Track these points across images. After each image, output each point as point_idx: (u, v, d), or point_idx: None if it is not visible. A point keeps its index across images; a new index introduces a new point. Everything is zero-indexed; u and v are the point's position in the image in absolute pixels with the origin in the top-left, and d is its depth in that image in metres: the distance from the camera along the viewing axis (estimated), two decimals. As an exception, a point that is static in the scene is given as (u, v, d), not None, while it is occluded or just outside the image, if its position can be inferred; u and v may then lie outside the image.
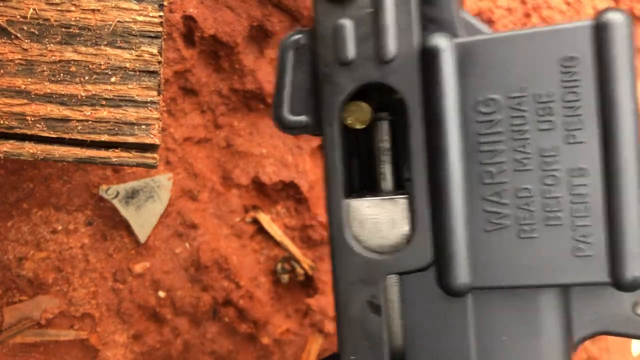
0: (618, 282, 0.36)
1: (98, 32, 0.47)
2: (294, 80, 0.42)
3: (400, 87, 0.39)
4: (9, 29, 0.46)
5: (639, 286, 0.36)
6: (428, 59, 0.38)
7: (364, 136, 0.45)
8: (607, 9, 0.36)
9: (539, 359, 0.38)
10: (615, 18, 0.35)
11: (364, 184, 0.45)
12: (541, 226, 0.37)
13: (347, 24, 0.40)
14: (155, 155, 0.48)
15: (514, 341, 0.38)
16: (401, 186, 0.44)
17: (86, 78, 0.47)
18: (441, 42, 0.38)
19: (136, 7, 0.48)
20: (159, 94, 0.48)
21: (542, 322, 0.38)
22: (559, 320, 0.38)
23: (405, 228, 0.40)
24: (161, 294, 0.69)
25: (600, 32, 0.35)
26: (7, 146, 0.46)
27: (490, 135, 0.38)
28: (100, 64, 0.47)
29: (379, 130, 0.43)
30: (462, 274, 0.37)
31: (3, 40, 0.46)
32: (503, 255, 0.37)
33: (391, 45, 0.39)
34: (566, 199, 0.37)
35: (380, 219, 0.40)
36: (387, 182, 0.43)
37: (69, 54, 0.47)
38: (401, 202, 0.40)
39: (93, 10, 0.47)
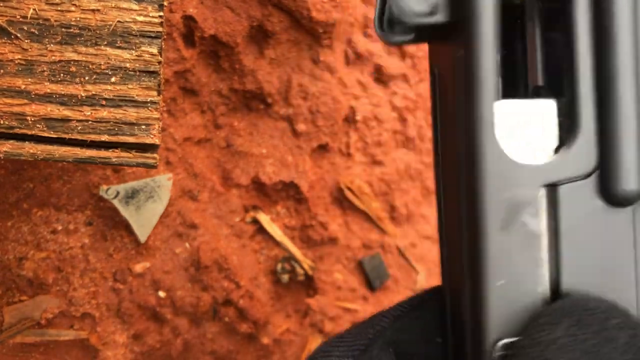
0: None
1: (98, 32, 0.47)
2: None
3: None
4: (9, 29, 0.46)
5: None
6: None
7: (509, 21, 0.39)
8: None
9: None
10: None
11: (513, 84, 0.41)
12: None
13: None
14: (155, 155, 0.48)
15: None
16: (554, 91, 0.39)
17: (86, 78, 0.47)
18: None
19: (136, 7, 0.48)
20: (159, 94, 0.48)
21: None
22: None
23: (557, 134, 0.36)
24: (161, 293, 0.69)
25: None
26: (7, 146, 0.46)
27: None
28: (100, 64, 0.47)
29: (531, 11, 0.39)
30: (631, 179, 0.34)
31: (3, 40, 0.46)
32: None
33: None
34: None
35: (532, 122, 0.36)
36: (539, 82, 0.39)
37: (69, 54, 0.47)
38: (554, 103, 0.36)
39: (93, 11, 0.47)
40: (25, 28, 0.46)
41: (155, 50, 0.48)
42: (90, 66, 0.47)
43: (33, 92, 0.46)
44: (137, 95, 0.48)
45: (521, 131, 0.36)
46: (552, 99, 0.36)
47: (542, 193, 0.35)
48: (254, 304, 0.70)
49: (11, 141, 0.46)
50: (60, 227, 0.67)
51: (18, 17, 0.46)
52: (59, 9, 0.47)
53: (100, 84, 0.47)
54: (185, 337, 0.69)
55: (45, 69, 0.46)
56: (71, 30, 0.47)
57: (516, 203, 0.35)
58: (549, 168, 0.35)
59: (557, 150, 0.36)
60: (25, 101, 0.46)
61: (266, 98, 0.70)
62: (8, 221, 0.66)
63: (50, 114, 0.46)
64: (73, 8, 0.47)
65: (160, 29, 0.48)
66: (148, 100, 0.48)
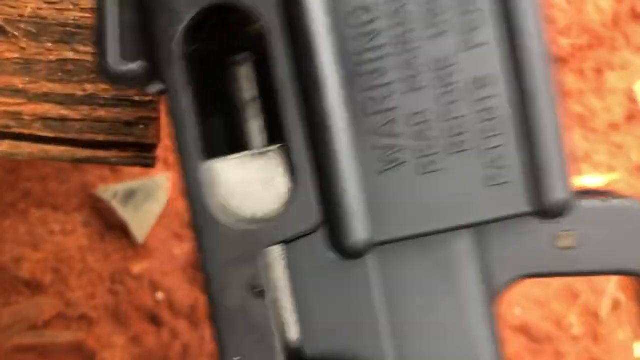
0: (541, 210, 0.31)
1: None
2: (121, 16, 0.32)
3: (254, 6, 0.31)
4: (6, 27, 0.46)
5: (562, 211, 0.31)
6: None
7: (219, 82, 0.36)
8: None
9: (460, 316, 0.33)
10: None
11: (229, 141, 0.37)
12: (444, 156, 0.31)
13: None
14: (153, 155, 0.48)
15: (428, 300, 0.32)
16: (275, 138, 0.35)
17: (84, 77, 0.47)
18: None
19: (135, 5, 0.47)
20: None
21: (458, 273, 0.33)
22: (477, 268, 0.33)
23: (282, 186, 0.33)
24: (160, 295, 0.69)
25: None
26: (4, 146, 0.46)
27: (371, 52, 0.31)
28: (99, 63, 0.47)
29: (236, 77, 0.35)
30: (359, 229, 0.31)
31: (0, 39, 0.46)
32: (404, 198, 0.31)
33: None
34: (471, 117, 0.31)
35: (252, 180, 0.33)
36: (255, 136, 0.35)
37: (67, 53, 0.46)
38: (273, 154, 0.33)
39: (92, 9, 0.47)
40: (23, 26, 0.46)
41: (154, 49, 0.48)
42: (88, 65, 0.47)
43: (30, 92, 0.46)
44: (135, 94, 0.47)
45: (244, 189, 0.33)
46: (276, 147, 0.33)
47: (274, 255, 0.32)
48: (253, 306, 0.70)
49: (8, 141, 0.46)
50: (57, 228, 0.67)
51: (16, 15, 0.46)
52: (57, 7, 0.46)
53: (98, 83, 0.47)
54: (184, 340, 0.69)
55: (42, 68, 0.46)
56: (69, 29, 0.47)
57: (239, 272, 0.32)
58: (273, 227, 0.32)
59: (288, 202, 0.32)
60: (23, 100, 0.46)
61: (265, 98, 0.70)
62: (5, 222, 0.66)
63: (48, 114, 0.46)
64: (71, 7, 0.47)
65: (159, 28, 0.48)
66: (146, 99, 0.48)
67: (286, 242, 0.32)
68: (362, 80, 0.31)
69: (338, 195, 0.31)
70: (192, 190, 0.32)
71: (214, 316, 0.33)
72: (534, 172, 0.30)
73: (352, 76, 0.31)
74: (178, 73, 0.32)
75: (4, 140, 0.46)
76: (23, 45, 0.46)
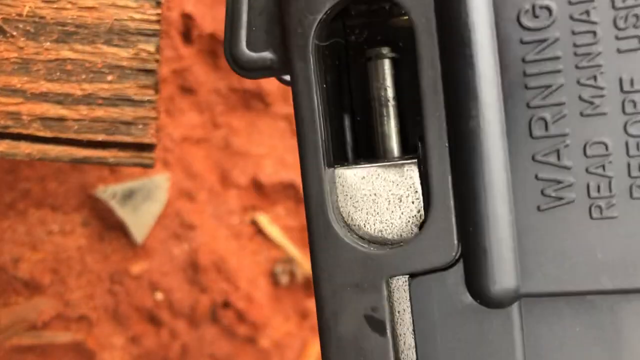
0: None
1: (94, 30, 0.47)
2: (252, 2, 0.29)
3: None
4: (4, 27, 0.45)
5: None
6: None
7: (355, 80, 0.33)
8: None
9: None
10: None
11: (357, 147, 0.33)
12: (625, 200, 0.25)
13: None
14: (152, 155, 0.48)
15: None
16: (409, 149, 0.31)
17: (82, 77, 0.46)
18: None
19: (133, 4, 0.47)
20: (156, 93, 0.48)
21: (625, 343, 0.27)
22: None
23: (415, 207, 0.28)
24: (159, 295, 0.69)
25: None
26: (3, 146, 0.46)
27: (544, 61, 0.26)
28: (97, 63, 0.47)
29: (376, 71, 0.31)
30: (505, 275, 0.26)
31: (-2, 38, 0.45)
32: (566, 245, 0.25)
33: None
34: None
35: (381, 195, 0.29)
36: (390, 143, 0.31)
37: (65, 53, 0.46)
38: (409, 168, 0.28)
39: (89, 8, 0.47)
40: (21, 26, 0.46)
41: (152, 49, 0.47)
42: (87, 64, 0.47)
43: (29, 91, 0.46)
44: (134, 94, 0.47)
45: (372, 204, 0.29)
46: (414, 161, 0.28)
47: (398, 285, 0.28)
48: (253, 306, 0.70)
49: (6, 140, 0.46)
50: (56, 228, 0.67)
51: (14, 14, 0.46)
52: (55, 6, 0.46)
53: (96, 82, 0.47)
54: (184, 340, 0.69)
55: (41, 67, 0.46)
56: (67, 28, 0.46)
57: (357, 300, 0.28)
58: (401, 254, 0.27)
59: (421, 227, 0.28)
60: (21, 100, 0.46)
61: (265, 97, 0.70)
62: (4, 222, 0.66)
63: (46, 113, 0.46)
64: (69, 6, 0.46)
65: (157, 27, 0.48)
66: (145, 99, 0.47)
67: (415, 274, 0.28)
68: (528, 94, 0.26)
69: (484, 229, 0.26)
70: (314, 198, 0.28)
71: (324, 342, 0.29)
72: None
73: (514, 87, 0.26)
74: (310, 67, 0.28)
75: (3, 140, 0.46)
76: (21, 44, 0.46)
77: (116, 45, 0.47)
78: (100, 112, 0.47)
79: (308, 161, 0.28)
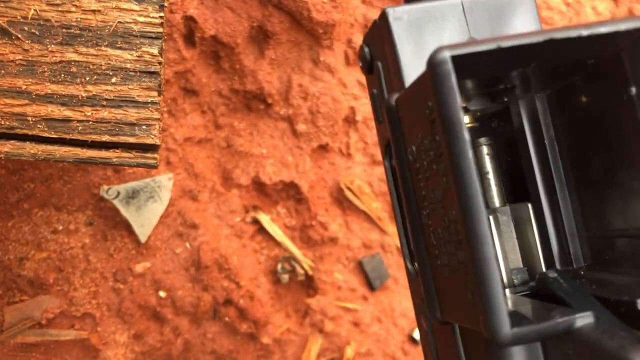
0: None
1: (99, 32, 0.47)
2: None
3: None
4: (9, 29, 0.46)
5: None
6: None
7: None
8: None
9: None
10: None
11: None
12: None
13: None
14: (155, 155, 0.48)
15: None
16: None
17: (87, 79, 0.47)
18: None
19: (137, 8, 0.48)
20: (159, 95, 0.48)
21: None
22: None
23: None
24: (162, 293, 0.69)
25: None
26: (8, 146, 0.46)
27: None
28: (101, 65, 0.47)
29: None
30: None
31: (4, 41, 0.46)
32: None
33: None
34: None
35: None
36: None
37: (70, 55, 0.47)
38: None
39: (94, 11, 0.47)
40: (26, 29, 0.46)
41: (155, 51, 0.48)
42: (91, 67, 0.47)
43: (34, 93, 0.46)
44: (137, 95, 0.48)
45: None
46: None
47: None
48: (254, 304, 0.70)
49: (12, 141, 0.46)
50: (60, 227, 0.67)
51: (19, 17, 0.46)
52: (59, 9, 0.47)
53: (100, 84, 0.47)
54: (186, 337, 0.69)
55: (46, 69, 0.46)
56: (72, 30, 0.47)
57: None
58: None
59: None
60: (26, 102, 0.46)
61: (266, 98, 0.70)
62: (9, 221, 0.66)
63: (51, 115, 0.46)
64: (74, 9, 0.47)
65: (160, 30, 0.48)
66: (149, 100, 0.48)
67: None
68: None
69: None
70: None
71: None
72: None
73: None
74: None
75: (8, 140, 0.47)
76: (26, 47, 0.47)
77: (120, 48, 0.48)
78: (104, 114, 0.47)
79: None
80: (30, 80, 0.46)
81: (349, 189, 0.73)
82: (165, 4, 0.48)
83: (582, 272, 0.36)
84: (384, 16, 0.40)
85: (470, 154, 0.29)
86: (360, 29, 0.73)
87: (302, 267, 0.72)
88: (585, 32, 0.29)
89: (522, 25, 0.40)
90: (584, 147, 0.36)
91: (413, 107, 0.34)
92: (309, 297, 0.73)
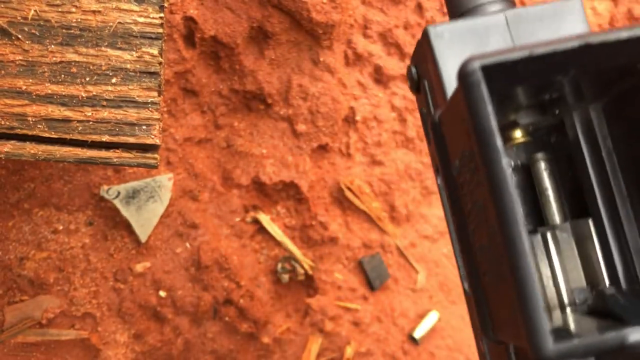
0: None
1: (99, 33, 0.47)
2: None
3: None
4: (9, 30, 0.46)
5: None
6: None
7: None
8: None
9: None
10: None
11: None
12: None
13: None
14: (156, 155, 0.48)
15: None
16: None
17: (87, 79, 0.47)
18: None
19: (137, 8, 0.48)
20: (159, 95, 0.48)
21: None
22: None
23: None
24: (162, 293, 0.69)
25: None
26: (8, 147, 0.46)
27: None
28: (101, 65, 0.47)
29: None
30: None
31: (4, 42, 0.46)
32: None
33: None
34: None
35: None
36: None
37: (70, 55, 0.47)
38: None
39: (94, 12, 0.47)
40: (26, 29, 0.46)
41: (155, 52, 0.48)
42: (91, 67, 0.47)
43: (34, 93, 0.46)
44: (137, 96, 0.48)
45: None
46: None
47: None
48: (255, 304, 0.70)
49: (12, 141, 0.46)
50: (61, 227, 0.67)
51: (19, 18, 0.46)
52: (59, 10, 0.47)
53: (101, 84, 0.47)
54: (186, 337, 0.70)
55: (46, 69, 0.46)
56: (72, 31, 0.47)
57: None
58: None
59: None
60: (26, 102, 0.46)
61: (266, 98, 0.70)
62: (9, 221, 0.66)
63: (51, 115, 0.46)
64: (74, 9, 0.47)
65: (160, 30, 0.48)
66: (149, 100, 0.48)
67: None
68: None
69: None
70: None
71: None
72: None
73: None
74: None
75: (8, 141, 0.47)
76: (26, 47, 0.47)
77: (120, 48, 0.48)
78: (104, 114, 0.47)
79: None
80: (31, 80, 0.46)
81: (349, 189, 0.73)
82: (165, 5, 0.48)
83: None
84: (425, 34, 0.39)
85: (504, 162, 0.28)
86: (360, 30, 0.73)
87: (302, 267, 0.72)
88: (624, 35, 0.28)
89: (570, 33, 0.39)
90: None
91: (454, 122, 0.34)
92: (309, 296, 0.73)
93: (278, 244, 0.73)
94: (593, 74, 0.34)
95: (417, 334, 0.74)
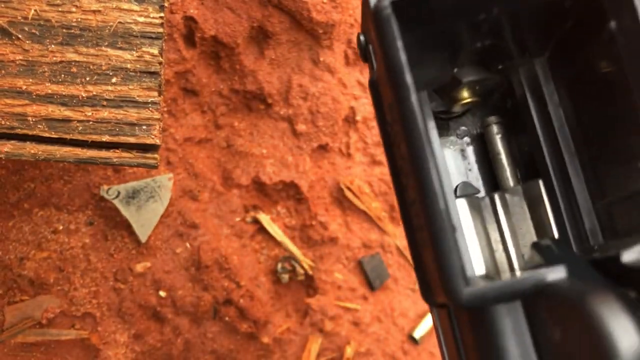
0: None
1: (99, 33, 0.47)
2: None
3: None
4: (10, 29, 0.46)
5: None
6: None
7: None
8: None
9: None
10: None
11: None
12: None
13: None
14: (156, 155, 0.48)
15: None
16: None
17: (87, 79, 0.47)
18: None
19: (137, 8, 0.48)
20: (159, 95, 0.48)
21: None
22: None
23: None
24: (162, 293, 0.69)
25: None
26: (9, 146, 0.46)
27: None
28: (101, 65, 0.47)
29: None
30: None
31: (4, 41, 0.46)
32: None
33: None
34: None
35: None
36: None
37: (70, 55, 0.47)
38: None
39: (94, 11, 0.47)
40: (27, 29, 0.46)
41: (156, 51, 0.48)
42: (91, 67, 0.47)
43: (34, 93, 0.46)
44: (138, 95, 0.48)
45: None
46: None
47: None
48: (255, 304, 0.70)
49: (12, 141, 0.46)
50: (61, 227, 0.67)
51: (19, 17, 0.46)
52: (59, 9, 0.47)
53: (101, 84, 0.47)
54: (186, 337, 0.70)
55: (46, 69, 0.46)
56: (72, 31, 0.47)
57: None
58: None
59: None
60: (27, 102, 0.46)
61: (266, 98, 0.70)
62: (9, 221, 0.66)
63: (52, 115, 0.46)
64: (74, 9, 0.47)
65: (161, 30, 0.48)
66: (149, 100, 0.48)
67: None
68: None
69: None
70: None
71: None
72: None
73: None
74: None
75: (9, 141, 0.47)
76: (27, 47, 0.47)
77: (120, 48, 0.48)
78: (104, 114, 0.47)
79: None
80: (31, 80, 0.46)
81: (348, 188, 0.73)
82: (166, 4, 0.48)
83: (595, 247, 0.34)
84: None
85: (414, 97, 0.27)
86: (360, 30, 0.73)
87: (302, 267, 0.72)
88: None
89: None
90: (585, 111, 0.34)
91: (386, 78, 0.32)
92: (309, 296, 0.73)
93: (278, 244, 0.73)
94: (528, 22, 0.32)
95: (417, 333, 0.74)
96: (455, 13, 0.31)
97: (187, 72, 0.68)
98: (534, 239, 0.38)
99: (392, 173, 0.37)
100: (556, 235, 0.36)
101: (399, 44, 0.28)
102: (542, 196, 0.36)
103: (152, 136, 0.48)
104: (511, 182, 0.38)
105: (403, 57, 0.28)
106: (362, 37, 0.42)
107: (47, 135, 0.47)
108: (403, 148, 0.30)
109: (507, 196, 0.38)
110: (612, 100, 0.31)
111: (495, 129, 0.39)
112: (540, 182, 0.36)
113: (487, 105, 0.40)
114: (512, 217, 0.38)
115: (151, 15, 0.48)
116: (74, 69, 0.47)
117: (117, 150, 0.48)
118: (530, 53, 0.36)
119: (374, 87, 0.37)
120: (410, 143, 0.28)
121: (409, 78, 0.28)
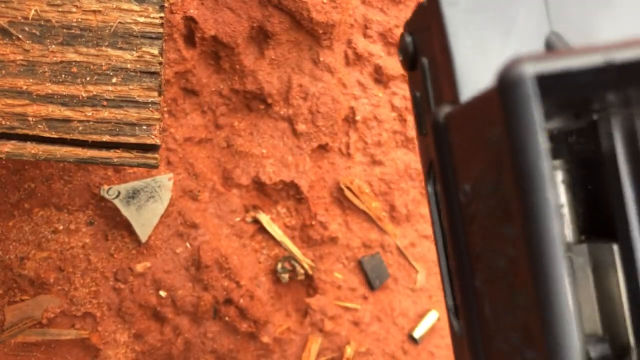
0: None
1: (99, 33, 0.47)
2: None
3: None
4: (10, 30, 0.46)
5: None
6: None
7: None
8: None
9: None
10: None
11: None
12: None
13: None
14: (156, 155, 0.48)
15: None
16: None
17: (87, 79, 0.47)
18: None
19: (137, 8, 0.48)
20: (159, 95, 0.48)
21: None
22: None
23: None
24: (162, 293, 0.69)
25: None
26: (9, 146, 0.46)
27: None
28: (102, 65, 0.47)
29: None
30: None
31: (4, 41, 0.46)
32: None
33: None
34: None
35: None
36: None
37: (70, 55, 0.47)
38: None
39: (94, 12, 0.47)
40: (27, 29, 0.46)
41: (156, 51, 0.48)
42: (92, 67, 0.47)
43: (34, 93, 0.46)
44: (138, 95, 0.48)
45: None
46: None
47: None
48: (254, 304, 0.70)
49: (13, 141, 0.46)
50: (61, 227, 0.67)
51: (19, 18, 0.46)
52: (60, 10, 0.47)
53: (101, 84, 0.47)
54: (186, 336, 0.70)
55: (46, 69, 0.46)
56: (72, 31, 0.47)
57: None
58: None
59: None
60: (27, 102, 0.46)
61: (266, 98, 0.70)
62: (9, 221, 0.66)
63: (52, 115, 0.47)
64: (74, 9, 0.47)
65: (161, 30, 0.48)
66: (149, 100, 0.48)
67: None
68: None
69: None
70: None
71: None
72: None
73: None
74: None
75: (9, 140, 0.47)
76: (27, 47, 0.47)
77: (120, 48, 0.48)
78: (105, 114, 0.47)
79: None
80: (31, 80, 0.46)
81: (348, 188, 0.73)
82: (166, 5, 0.49)
83: None
84: None
85: (555, 228, 0.20)
86: (360, 30, 0.73)
87: (302, 267, 0.72)
88: None
89: (627, 11, 0.29)
90: None
91: (471, 132, 0.26)
92: (309, 296, 0.73)
93: (278, 243, 0.73)
94: None
95: (417, 333, 0.74)
96: (603, 87, 0.24)
97: (187, 72, 0.68)
98: (597, 319, 0.30)
99: (452, 247, 0.30)
100: (629, 320, 0.29)
101: (542, 140, 0.21)
102: (615, 264, 0.29)
103: (152, 136, 0.48)
104: (571, 239, 0.31)
105: (547, 164, 0.21)
106: (408, 39, 0.34)
107: (47, 135, 0.47)
108: (511, 257, 0.24)
109: (573, 257, 0.30)
110: None
111: (560, 176, 0.31)
112: (615, 247, 0.29)
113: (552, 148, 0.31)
114: (576, 283, 0.30)
115: (151, 16, 0.48)
116: (74, 69, 0.47)
117: (118, 150, 0.48)
118: (634, 104, 0.29)
119: (440, 129, 0.29)
120: (540, 285, 0.21)
121: (553, 197, 0.21)
